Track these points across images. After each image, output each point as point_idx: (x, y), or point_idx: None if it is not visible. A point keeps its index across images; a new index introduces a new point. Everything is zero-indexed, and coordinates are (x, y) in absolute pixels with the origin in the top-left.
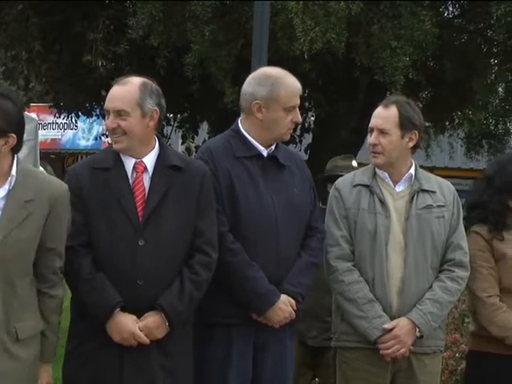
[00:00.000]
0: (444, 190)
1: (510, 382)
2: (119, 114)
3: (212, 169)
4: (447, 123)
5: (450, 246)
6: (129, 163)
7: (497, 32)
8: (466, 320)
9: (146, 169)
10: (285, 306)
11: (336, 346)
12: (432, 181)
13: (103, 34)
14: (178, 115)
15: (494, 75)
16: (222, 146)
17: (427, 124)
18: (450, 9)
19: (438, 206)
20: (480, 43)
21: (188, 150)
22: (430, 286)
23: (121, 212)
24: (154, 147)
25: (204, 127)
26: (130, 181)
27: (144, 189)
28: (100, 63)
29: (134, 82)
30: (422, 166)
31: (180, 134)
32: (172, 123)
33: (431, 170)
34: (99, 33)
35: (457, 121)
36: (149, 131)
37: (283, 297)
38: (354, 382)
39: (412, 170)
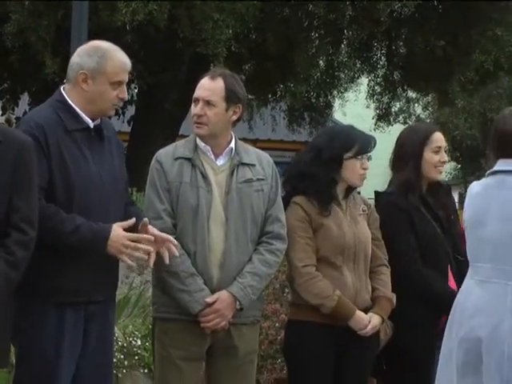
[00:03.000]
0: (263, 162)
1: (325, 349)
2: None
3: (43, 146)
4: (270, 96)
5: (269, 219)
6: None
7: (317, 6)
8: (286, 290)
9: None
10: (118, 231)
11: (155, 317)
12: (251, 154)
13: None
14: None
15: (314, 48)
16: (53, 120)
17: (250, 97)
18: None
19: (258, 180)
20: (301, 16)
21: (8, 121)
22: (250, 259)
23: None
24: None
25: (25, 98)
26: None
27: None
28: None
29: None
30: (245, 139)
31: (0, 105)
32: None
33: (254, 142)
34: None
35: (279, 93)
36: None
37: (115, 226)
38: (172, 350)
39: (232, 144)
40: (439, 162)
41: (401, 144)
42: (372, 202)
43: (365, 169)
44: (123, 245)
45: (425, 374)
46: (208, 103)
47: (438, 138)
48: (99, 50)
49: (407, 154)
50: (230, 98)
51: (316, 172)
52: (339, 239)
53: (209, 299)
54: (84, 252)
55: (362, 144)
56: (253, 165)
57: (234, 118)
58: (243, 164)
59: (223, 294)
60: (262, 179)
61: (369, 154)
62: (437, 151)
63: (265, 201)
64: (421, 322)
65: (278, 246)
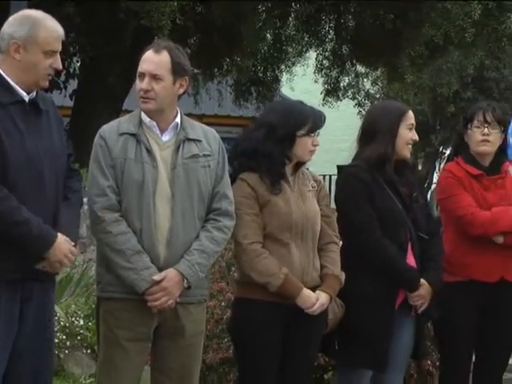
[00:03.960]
0: (210, 138)
1: (272, 328)
2: None
3: None
4: (216, 70)
5: (216, 196)
6: None
7: None
8: (233, 269)
9: None
10: (64, 244)
11: (100, 297)
12: (198, 129)
13: None
14: None
15: (262, 22)
16: None
17: (196, 71)
18: None
19: (204, 155)
20: None
21: None
22: (197, 236)
23: None
24: None
25: None
26: None
27: None
28: None
29: None
30: (190, 114)
31: None
32: None
33: (200, 117)
34: None
35: (225, 68)
36: None
37: (60, 235)
38: (118, 331)
39: (178, 119)
40: (411, 140)
41: (373, 120)
42: (321, 178)
43: (315, 145)
44: (66, 256)
45: (380, 350)
46: (154, 77)
47: (412, 116)
48: (30, 18)
49: (382, 130)
50: (177, 70)
51: (271, 150)
52: (286, 216)
53: (156, 277)
54: (19, 245)
55: (315, 121)
56: (199, 140)
57: (181, 91)
58: (189, 140)
59: (171, 272)
60: (209, 155)
61: (318, 130)
62: (410, 128)
63: (212, 177)
64: (377, 298)
65: (225, 222)
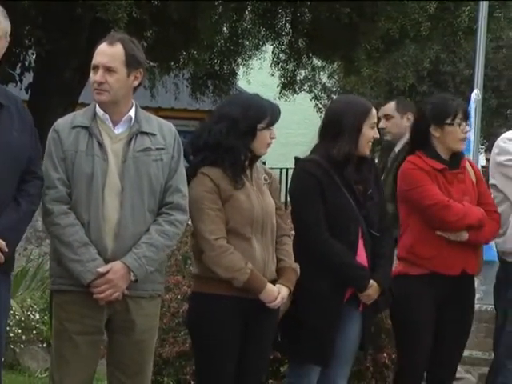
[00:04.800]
0: (164, 131)
1: (232, 322)
2: None
3: None
4: (172, 63)
5: (169, 190)
6: None
7: None
8: (189, 262)
9: None
10: None
11: (52, 290)
12: (153, 123)
13: None
14: None
15: (218, 15)
16: None
17: (152, 64)
18: None
19: (157, 149)
20: None
21: None
22: (148, 230)
23: None
24: None
25: None
26: None
27: None
28: None
29: None
30: (147, 107)
31: None
32: None
33: (157, 110)
34: None
35: (182, 61)
36: None
37: None
38: (68, 324)
39: (132, 112)
40: (372, 138)
41: (338, 117)
42: (271, 171)
43: (273, 138)
44: None
45: (326, 346)
46: (108, 69)
47: (375, 114)
48: None
49: (348, 129)
50: (131, 63)
51: (234, 144)
52: (248, 211)
53: (101, 269)
54: None
55: (273, 114)
56: (153, 134)
57: (136, 83)
58: (142, 133)
59: (116, 265)
60: (162, 148)
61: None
62: (373, 127)
63: (164, 171)
64: (325, 293)
65: (177, 217)
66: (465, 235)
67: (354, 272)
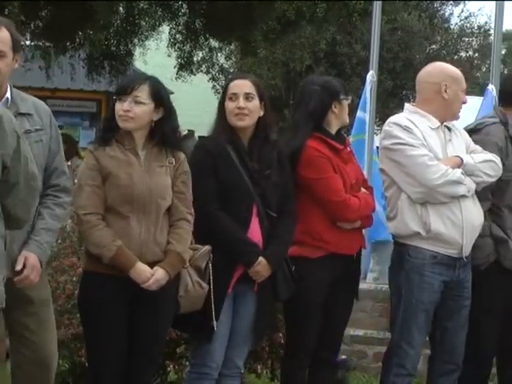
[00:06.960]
0: (40, 111)
1: (116, 302)
2: None
3: None
4: (68, 43)
5: (55, 172)
6: None
7: None
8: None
9: None
10: None
11: None
12: (28, 103)
13: None
14: None
15: None
16: None
17: (48, 44)
18: None
19: (36, 130)
20: None
21: None
22: (40, 214)
23: None
24: None
25: None
26: None
27: None
28: None
29: None
30: (43, 88)
31: None
32: None
33: (53, 91)
34: None
35: (78, 41)
36: None
37: None
38: None
39: (8, 93)
40: (236, 109)
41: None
42: (183, 156)
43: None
44: None
45: (206, 322)
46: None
47: (234, 85)
48: None
49: (219, 104)
50: (15, 47)
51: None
52: (127, 189)
53: (18, 267)
54: None
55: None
56: (30, 114)
57: (16, 66)
58: (20, 114)
59: (31, 258)
60: (41, 129)
61: None
62: (231, 98)
63: (45, 152)
64: (217, 268)
65: (65, 199)
66: (358, 223)
67: (243, 247)
